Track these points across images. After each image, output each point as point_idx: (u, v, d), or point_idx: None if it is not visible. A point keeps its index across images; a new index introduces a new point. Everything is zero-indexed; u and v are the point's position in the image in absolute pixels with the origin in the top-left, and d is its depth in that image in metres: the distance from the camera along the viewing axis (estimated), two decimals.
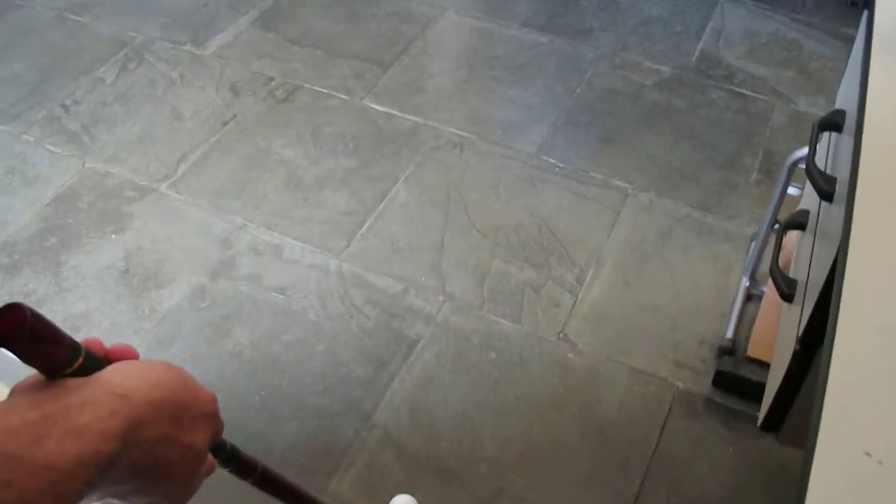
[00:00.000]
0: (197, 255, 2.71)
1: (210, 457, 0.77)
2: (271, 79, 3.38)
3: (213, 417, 0.74)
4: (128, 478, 0.63)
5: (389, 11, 3.73)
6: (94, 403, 0.59)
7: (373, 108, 3.24)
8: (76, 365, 0.63)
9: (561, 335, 2.50)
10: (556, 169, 3.00)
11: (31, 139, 3.13)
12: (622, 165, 3.02)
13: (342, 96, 3.30)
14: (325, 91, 3.32)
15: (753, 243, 2.59)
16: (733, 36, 3.61)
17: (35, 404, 0.57)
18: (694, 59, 3.50)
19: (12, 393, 0.61)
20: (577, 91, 3.34)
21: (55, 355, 0.61)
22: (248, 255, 2.71)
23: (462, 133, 3.13)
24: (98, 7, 3.80)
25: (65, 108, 3.27)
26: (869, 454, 0.83)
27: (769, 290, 2.50)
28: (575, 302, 2.58)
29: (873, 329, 0.99)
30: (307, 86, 3.35)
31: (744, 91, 3.35)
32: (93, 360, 0.65)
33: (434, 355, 2.45)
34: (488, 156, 3.05)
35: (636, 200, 2.89)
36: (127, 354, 0.70)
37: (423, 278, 2.64)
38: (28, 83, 3.39)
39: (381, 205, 2.87)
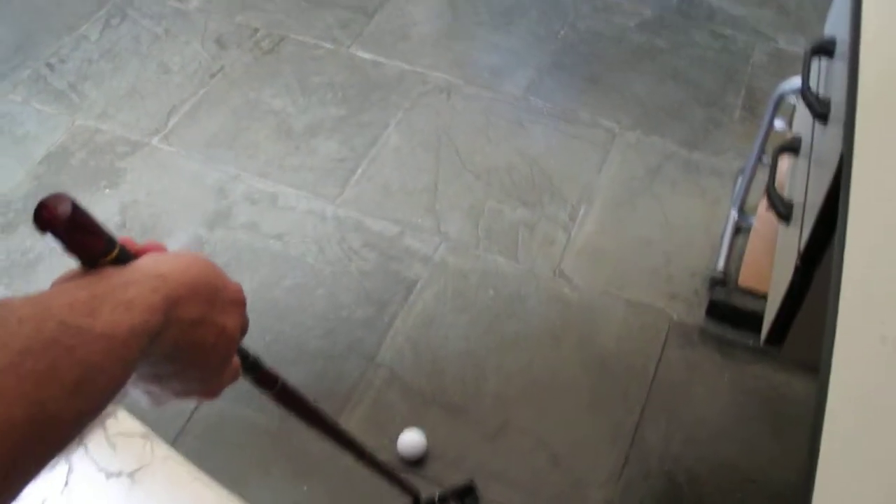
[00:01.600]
0: (193, 207, 2.74)
1: (236, 359, 0.80)
2: (256, 30, 3.39)
3: (241, 305, 0.77)
4: (169, 357, 0.68)
5: None
6: (136, 282, 0.63)
7: (359, 56, 3.26)
8: (113, 254, 0.66)
9: (557, 271, 2.55)
10: (544, 110, 3.03)
11: (18, 99, 3.14)
12: (608, 105, 3.05)
13: (328, 45, 3.31)
14: (310, 41, 3.33)
15: (740, 177, 2.64)
16: None
17: (82, 286, 0.61)
18: (675, 0, 3.53)
19: (53, 284, 0.64)
20: (561, 34, 3.36)
21: (94, 244, 0.65)
22: (243, 204, 2.74)
23: (449, 78, 3.16)
24: None
25: (50, 66, 3.27)
26: (885, 338, 0.88)
27: (758, 221, 2.55)
28: (569, 239, 2.63)
29: (880, 226, 1.04)
30: (292, 36, 3.36)
31: (725, 30, 3.38)
32: (126, 253, 0.68)
33: (433, 295, 2.49)
34: (476, 99, 3.08)
35: (623, 139, 2.93)
36: (157, 249, 0.73)
37: (419, 220, 2.68)
38: (11, 44, 3.38)
39: (373, 150, 2.89)
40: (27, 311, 0.55)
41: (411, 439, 2.15)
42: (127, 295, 0.61)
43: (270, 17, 3.45)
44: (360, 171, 2.83)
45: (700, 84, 3.15)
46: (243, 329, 0.79)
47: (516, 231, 2.64)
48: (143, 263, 0.67)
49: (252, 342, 0.82)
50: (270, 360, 2.35)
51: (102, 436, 1.41)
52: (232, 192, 2.77)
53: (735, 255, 2.55)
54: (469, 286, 2.51)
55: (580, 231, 2.65)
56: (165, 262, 0.69)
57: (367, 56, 3.26)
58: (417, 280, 2.52)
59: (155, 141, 2.95)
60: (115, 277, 0.63)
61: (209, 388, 0.77)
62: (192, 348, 0.69)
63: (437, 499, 2.06)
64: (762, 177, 2.36)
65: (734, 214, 2.61)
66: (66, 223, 0.61)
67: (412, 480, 1.88)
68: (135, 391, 0.74)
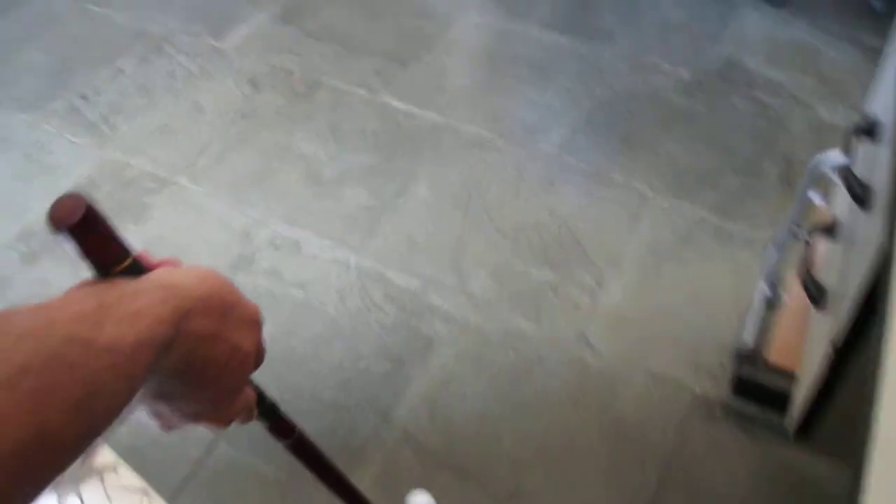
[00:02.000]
0: (216, 248, 2.71)
1: (251, 392, 0.81)
2: (291, 73, 3.38)
3: (257, 326, 0.76)
4: (179, 374, 0.66)
5: (410, 9, 3.72)
6: (146, 293, 0.62)
7: (392, 105, 3.24)
8: (126, 263, 0.65)
9: (579, 336, 2.50)
10: (577, 169, 2.99)
11: (51, 128, 3.13)
12: (642, 168, 3.01)
13: (362, 92, 3.29)
14: (344, 87, 3.31)
15: (773, 249, 2.59)
16: (753, 41, 3.60)
17: (90, 295, 0.59)
18: (713, 62, 3.49)
19: (66, 293, 0.63)
20: (598, 92, 3.33)
21: (107, 249, 0.64)
22: (267, 249, 2.71)
23: (482, 132, 3.13)
24: (118, 0, 3.80)
25: (84, 98, 3.27)
26: None
27: (789, 296, 2.49)
28: (593, 303, 2.58)
29: None
30: (327, 81, 3.34)
31: (763, 96, 3.34)
32: (140, 265, 0.68)
33: (453, 354, 2.45)
34: (508, 155, 3.04)
35: (655, 203, 2.89)
36: (172, 265, 0.73)
37: (443, 276, 2.64)
38: (48, 73, 3.39)
39: (401, 201, 2.86)
40: (29, 324, 0.53)
41: (420, 502, 2.10)
42: (135, 305, 0.60)
43: (306, 61, 3.43)
44: (386, 221, 2.80)
45: (736, 150, 3.10)
46: (259, 355, 0.78)
47: (541, 293, 2.60)
48: (154, 275, 0.67)
49: (266, 389, 0.80)
50: (284, 409, 2.32)
51: (100, 489, 1.38)
52: (256, 237, 2.74)
53: (763, 330, 2.49)
54: (489, 347, 2.47)
55: (606, 296, 2.60)
56: (178, 273, 0.68)
57: (400, 105, 3.24)
58: (437, 337, 2.48)
59: (183, 179, 2.93)
60: (124, 287, 0.62)
61: (220, 413, 0.75)
62: (202, 365, 0.68)
63: None
64: (796, 249, 2.31)
65: (765, 287, 2.55)
66: (79, 224, 0.60)
67: None
68: (143, 412, 0.73)
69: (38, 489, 0.51)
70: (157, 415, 0.73)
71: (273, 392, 2.35)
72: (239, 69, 3.40)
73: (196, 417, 0.74)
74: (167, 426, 0.75)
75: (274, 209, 2.83)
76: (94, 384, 0.54)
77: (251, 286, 2.59)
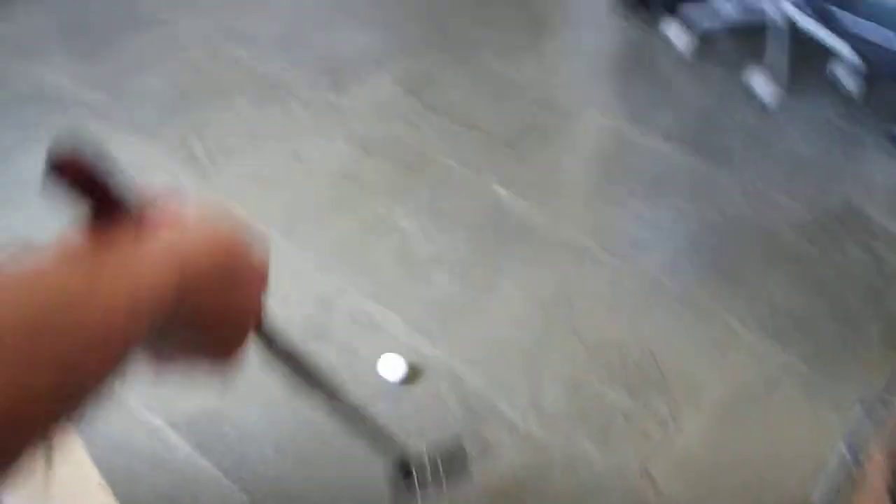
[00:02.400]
0: (293, 310, 2.68)
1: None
2: (403, 143, 3.36)
3: (264, 280, 0.72)
4: (181, 333, 0.64)
5: (534, 98, 3.68)
6: (150, 257, 0.58)
7: (499, 193, 3.18)
8: (123, 214, 0.61)
9: (644, 471, 2.40)
10: (671, 294, 2.90)
11: (156, 155, 3.17)
12: (739, 303, 2.91)
13: (471, 175, 3.25)
14: (454, 166, 3.28)
15: (860, 412, 2.48)
16: (877, 188, 3.48)
17: (85, 254, 0.56)
18: (832, 204, 3.37)
19: (60, 243, 0.58)
20: (708, 217, 3.23)
21: (105, 197, 0.60)
22: (344, 321, 2.67)
23: (583, 238, 3.06)
24: (246, 37, 3.84)
25: (195, 130, 3.32)
26: None
27: (868, 465, 2.38)
28: (665, 437, 2.49)
29: None
30: (438, 158, 3.31)
31: (879, 249, 3.21)
32: (139, 212, 0.63)
33: (510, 465, 2.37)
34: (605, 267, 2.97)
35: (746, 342, 2.78)
36: (173, 201, 0.68)
37: (515, 382, 2.56)
38: (164, 100, 3.44)
39: (488, 297, 2.80)
40: (18, 279, 0.51)
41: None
42: (137, 269, 0.56)
43: (421, 134, 3.41)
44: (469, 314, 2.74)
45: (841, 301, 2.98)
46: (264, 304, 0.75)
47: (612, 416, 2.51)
48: (160, 237, 0.62)
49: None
50: (328, 493, 2.28)
51: None
52: (336, 306, 2.71)
53: (837, 496, 2.38)
54: (549, 465, 2.39)
55: (679, 432, 2.50)
56: (186, 239, 0.63)
57: (506, 195, 3.18)
58: (497, 445, 2.41)
59: (274, 232, 2.91)
60: (125, 246, 0.58)
61: (219, 363, 0.71)
62: (205, 326, 0.65)
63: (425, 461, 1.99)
64: (884, 418, 2.20)
65: (844, 451, 2.44)
66: (79, 178, 0.58)
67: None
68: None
69: (27, 445, 0.49)
70: (153, 365, 0.70)
71: (320, 470, 2.31)
72: (352, 129, 3.39)
73: (193, 368, 0.71)
74: (161, 376, 0.72)
75: (359, 281, 2.80)
76: (86, 347, 0.51)
77: (321, 355, 2.55)
